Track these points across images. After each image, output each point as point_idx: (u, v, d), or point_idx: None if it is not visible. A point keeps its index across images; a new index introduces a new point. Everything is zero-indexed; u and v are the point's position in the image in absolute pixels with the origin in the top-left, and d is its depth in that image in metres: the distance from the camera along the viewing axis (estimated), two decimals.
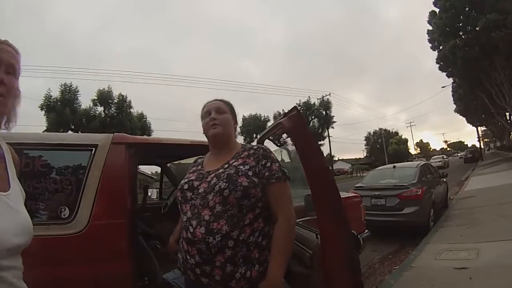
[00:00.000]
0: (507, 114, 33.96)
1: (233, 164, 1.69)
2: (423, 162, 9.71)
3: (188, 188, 1.68)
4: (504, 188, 10.87)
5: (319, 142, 41.24)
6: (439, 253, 5.17)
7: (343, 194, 4.31)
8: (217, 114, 1.80)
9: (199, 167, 1.82)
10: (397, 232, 7.20)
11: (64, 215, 2.05)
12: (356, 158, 75.40)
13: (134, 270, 1.99)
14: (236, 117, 1.93)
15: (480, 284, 3.70)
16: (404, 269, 4.68)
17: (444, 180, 10.02)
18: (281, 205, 1.66)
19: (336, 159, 56.98)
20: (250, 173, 1.64)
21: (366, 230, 4.41)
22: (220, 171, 1.67)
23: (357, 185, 8.49)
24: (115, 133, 2.37)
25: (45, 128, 25.40)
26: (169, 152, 3.72)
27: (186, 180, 1.74)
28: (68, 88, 27.94)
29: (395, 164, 9.26)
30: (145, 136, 2.88)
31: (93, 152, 2.21)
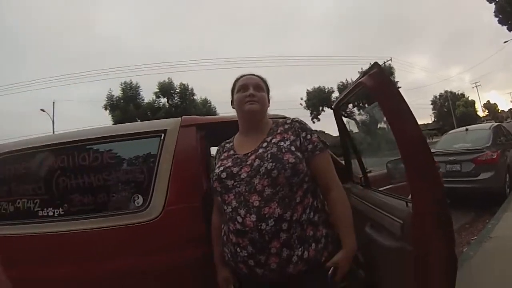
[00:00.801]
0: None
1: (272, 141, 1.61)
2: (495, 124, 9.00)
3: (228, 176, 1.55)
4: None
5: None
6: None
7: None
8: (255, 91, 1.68)
9: (231, 152, 1.68)
10: (472, 200, 6.77)
11: (137, 204, 2.04)
12: (424, 124, 71.70)
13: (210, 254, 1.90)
14: (269, 97, 1.81)
15: None
16: (483, 240, 4.41)
17: None
18: (330, 175, 1.63)
19: None
20: (292, 148, 1.56)
21: None
22: (260, 151, 1.57)
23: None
24: (183, 116, 2.31)
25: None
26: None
27: (222, 167, 1.59)
28: (128, 86, 29.71)
29: (467, 127, 8.65)
30: (215, 116, 2.79)
31: (162, 137, 2.16)
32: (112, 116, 29.40)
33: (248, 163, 1.54)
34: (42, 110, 32.56)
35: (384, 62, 39.18)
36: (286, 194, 1.48)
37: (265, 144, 1.60)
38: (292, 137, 1.61)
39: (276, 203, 1.45)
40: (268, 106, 1.76)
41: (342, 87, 38.71)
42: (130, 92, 29.79)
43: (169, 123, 2.25)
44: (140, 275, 1.94)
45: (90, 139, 2.22)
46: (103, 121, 29.86)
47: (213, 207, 1.78)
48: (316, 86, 41.61)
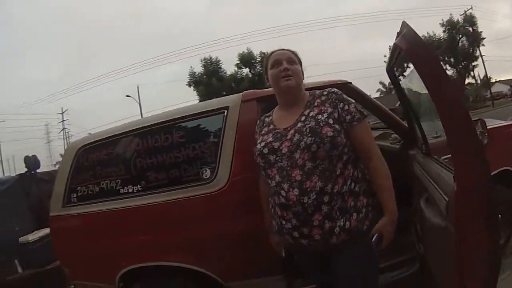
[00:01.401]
0: None
1: (310, 115, 1.60)
2: None
3: (269, 151, 1.57)
4: None
5: (473, 63, 37.15)
6: None
7: (498, 123, 3.59)
8: (289, 65, 1.66)
9: (271, 126, 1.69)
10: None
11: (205, 176, 2.25)
12: None
13: None
14: (303, 68, 1.77)
15: None
16: None
17: None
18: (369, 144, 1.63)
19: (493, 81, 49.28)
20: (330, 121, 1.56)
21: None
22: (299, 125, 1.58)
23: None
24: (244, 92, 2.43)
25: (198, 101, 27.86)
26: None
27: (263, 143, 1.61)
28: (209, 61, 30.56)
29: None
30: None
31: (225, 114, 2.32)
32: (196, 92, 30.70)
33: (288, 137, 1.56)
34: (128, 96, 35.19)
35: (465, 11, 35.98)
36: (327, 167, 1.50)
37: (303, 118, 1.60)
38: (329, 109, 1.59)
39: (317, 176, 1.48)
40: (303, 78, 1.74)
41: (425, 41, 36.31)
42: (211, 67, 30.72)
43: (231, 100, 2.39)
44: (210, 240, 2.21)
45: (160, 122, 2.46)
46: (188, 97, 31.27)
47: (259, 178, 1.83)
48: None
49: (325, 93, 1.67)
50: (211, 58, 31.10)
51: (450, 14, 36.61)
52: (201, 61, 31.12)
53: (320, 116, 1.57)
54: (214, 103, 2.48)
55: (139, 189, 2.39)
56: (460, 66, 36.60)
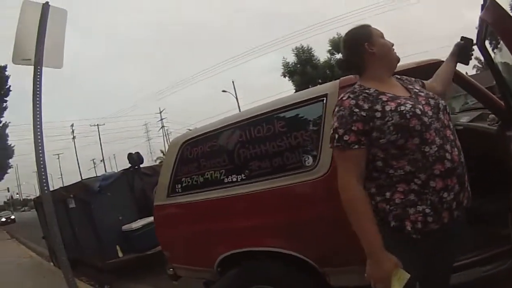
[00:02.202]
0: None
1: (417, 88, 1.64)
2: None
3: (422, 112, 1.43)
4: None
5: None
6: None
7: None
8: None
9: (389, 95, 1.50)
10: None
11: (308, 163, 2.30)
12: None
13: None
14: None
15: None
16: None
17: None
18: None
19: None
20: None
21: None
22: (422, 94, 1.57)
23: None
24: (340, 78, 2.41)
25: (294, 91, 27.89)
26: None
27: (409, 105, 1.43)
28: (301, 50, 30.34)
29: None
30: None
31: (324, 101, 2.33)
32: (292, 81, 30.53)
33: (423, 102, 1.50)
34: (224, 91, 36.08)
35: None
36: None
37: (415, 90, 1.60)
38: (421, 87, 1.70)
39: (456, 135, 1.52)
40: None
41: None
42: (304, 55, 30.28)
43: (329, 87, 2.40)
44: (311, 226, 2.27)
45: (261, 114, 2.58)
46: (284, 87, 31.26)
47: (347, 171, 1.46)
48: None
49: (404, 77, 1.74)
50: (302, 46, 30.66)
51: None
52: (293, 51, 30.75)
53: (424, 89, 1.66)
54: (313, 91, 2.52)
55: (243, 178, 2.52)
56: None
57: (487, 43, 2.38)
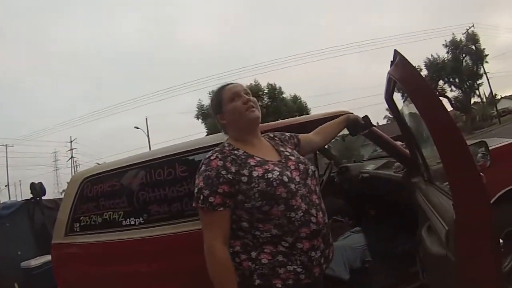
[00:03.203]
0: None
1: (288, 150, 1.66)
2: None
3: (289, 179, 1.44)
4: None
5: (477, 82, 36.56)
6: None
7: (504, 141, 3.56)
8: (249, 96, 1.60)
9: (257, 158, 1.49)
10: None
11: None
12: None
13: None
14: None
15: None
16: None
17: None
18: None
19: (499, 97, 48.36)
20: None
21: None
22: (292, 158, 1.60)
23: None
24: None
25: (205, 133, 27.79)
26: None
27: (277, 173, 1.43)
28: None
29: None
30: (273, 122, 2.95)
31: None
32: (204, 124, 30.51)
33: (292, 168, 1.53)
34: (136, 127, 35.99)
35: (467, 30, 35.85)
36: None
37: (287, 152, 1.63)
38: (295, 150, 1.72)
39: (321, 198, 1.56)
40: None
41: (429, 64, 36.23)
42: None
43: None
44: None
45: (162, 157, 2.52)
46: (197, 130, 31.32)
47: (212, 233, 1.41)
48: None
49: (277, 137, 1.79)
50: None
51: (453, 33, 36.50)
52: (209, 94, 30.90)
53: (295, 152, 1.69)
54: (216, 138, 2.45)
55: (141, 221, 2.44)
56: (465, 86, 36.19)
57: (399, 95, 2.50)
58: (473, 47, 35.17)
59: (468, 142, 2.64)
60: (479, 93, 38.46)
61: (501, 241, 1.51)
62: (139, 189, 2.51)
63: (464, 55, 35.52)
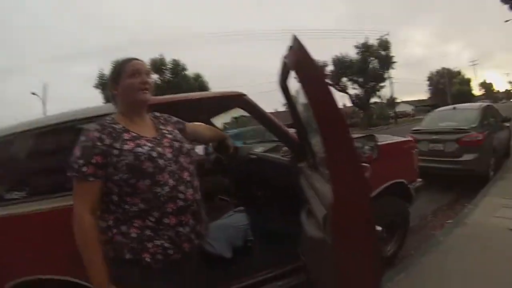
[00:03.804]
0: None
1: (168, 129, 1.73)
2: (485, 104, 8.53)
3: (158, 155, 1.52)
4: None
5: (380, 84, 39.83)
6: (497, 209, 4.69)
7: (393, 139, 3.94)
8: (148, 78, 1.64)
9: (132, 134, 1.56)
10: (455, 181, 6.69)
11: None
12: (419, 100, 71.89)
13: None
14: None
15: None
16: (456, 225, 4.33)
17: (507, 125, 8.84)
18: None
19: (399, 101, 54.40)
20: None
21: (419, 179, 3.91)
22: (169, 136, 1.67)
23: (414, 128, 7.87)
24: None
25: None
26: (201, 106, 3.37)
27: (147, 148, 1.51)
28: (119, 64, 29.06)
29: (455, 105, 8.40)
30: (167, 96, 2.87)
31: None
32: (103, 95, 29.04)
33: (166, 145, 1.60)
34: (33, 93, 32.98)
35: (381, 37, 38.69)
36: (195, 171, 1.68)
37: (165, 131, 1.70)
38: (175, 130, 1.77)
39: (195, 176, 1.65)
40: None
41: (336, 61, 38.40)
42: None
43: (113, 108, 2.17)
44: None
45: (48, 125, 2.33)
46: (96, 99, 29.58)
47: (81, 203, 1.46)
48: None
49: (162, 117, 1.83)
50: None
51: (366, 37, 39.29)
52: (112, 63, 29.30)
53: (175, 130, 1.77)
54: (96, 110, 2.35)
55: (25, 195, 2.24)
56: (368, 86, 38.99)
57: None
58: (383, 52, 37.73)
59: (359, 135, 2.81)
60: (380, 94, 41.68)
61: (379, 228, 1.57)
62: (22, 160, 2.31)
63: (372, 58, 38.01)
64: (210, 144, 3.46)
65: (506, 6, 24.57)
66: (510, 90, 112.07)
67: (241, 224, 2.99)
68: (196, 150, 5.14)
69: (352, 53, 38.63)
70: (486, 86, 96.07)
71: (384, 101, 45.28)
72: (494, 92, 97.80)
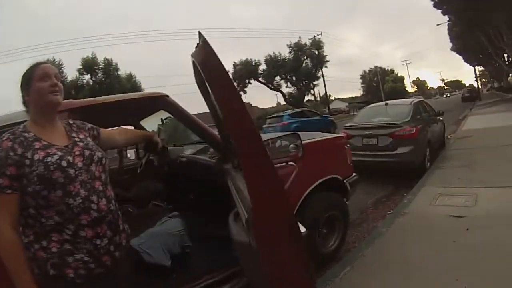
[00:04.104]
0: (505, 55, 32.53)
1: (80, 137, 1.66)
2: (417, 100, 8.87)
3: (68, 164, 1.46)
4: (506, 130, 9.98)
5: (314, 82, 40.85)
6: (435, 197, 4.82)
7: (325, 136, 3.98)
8: (57, 81, 1.59)
9: (43, 142, 1.49)
10: (392, 174, 6.83)
11: None
12: (352, 97, 75.42)
13: None
14: None
15: (477, 237, 3.34)
16: (397, 216, 4.37)
17: (441, 118, 9.39)
18: None
19: (333, 98, 56.61)
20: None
21: (354, 174, 3.97)
22: (81, 144, 1.60)
23: (347, 124, 7.98)
24: None
25: None
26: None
27: (56, 157, 1.45)
28: (51, 63, 27.54)
29: (387, 102, 8.61)
30: (85, 99, 2.72)
31: None
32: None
33: (77, 153, 1.53)
34: None
35: (314, 36, 39.68)
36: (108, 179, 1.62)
37: (77, 139, 1.62)
38: (89, 138, 1.70)
39: (109, 185, 1.60)
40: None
41: (269, 60, 38.84)
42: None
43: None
44: None
45: None
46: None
47: (0, 216, 1.38)
48: (243, 58, 40.17)
49: (75, 124, 1.74)
50: (53, 60, 27.98)
51: (299, 37, 40.26)
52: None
53: (88, 138, 1.69)
54: (7, 119, 2.17)
55: None
56: (301, 84, 39.85)
57: None
58: (316, 52, 38.76)
59: (283, 133, 2.77)
60: (314, 92, 42.91)
61: (303, 229, 1.54)
62: None
63: (305, 58, 38.90)
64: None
65: (439, 11, 26.39)
66: (442, 87, 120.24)
67: (177, 230, 2.88)
68: (128, 155, 5.02)
69: (285, 53, 39.34)
70: (419, 83, 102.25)
71: (318, 98, 46.63)
72: (428, 89, 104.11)
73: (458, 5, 22.89)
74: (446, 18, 30.49)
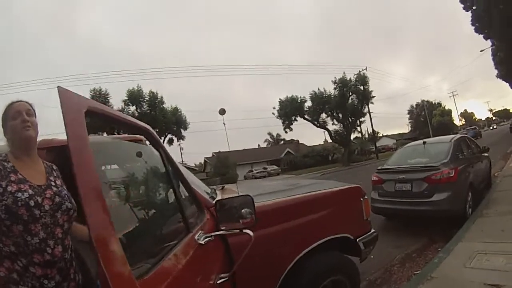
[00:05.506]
0: None
1: (57, 182, 1.71)
2: (458, 136, 7.85)
3: (35, 205, 1.52)
4: None
5: (360, 119, 40.15)
6: (471, 257, 4.08)
7: (337, 186, 3.46)
8: (28, 117, 1.67)
9: (19, 176, 1.57)
10: (428, 222, 6.07)
11: None
12: (400, 133, 73.29)
13: None
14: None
15: None
16: (421, 281, 3.68)
17: (486, 154, 8.40)
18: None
19: (380, 135, 55.02)
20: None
21: (372, 231, 3.40)
22: (54, 189, 1.64)
23: (380, 167, 7.20)
24: (41, 139, 2.15)
25: None
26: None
27: (27, 194, 1.51)
28: (98, 93, 29.01)
29: (425, 140, 7.72)
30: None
31: None
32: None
33: (47, 196, 1.59)
34: None
35: (359, 71, 39.30)
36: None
37: (54, 183, 1.68)
38: (63, 186, 1.73)
39: (68, 236, 1.65)
40: (37, 131, 1.74)
41: (314, 96, 38.64)
42: (99, 99, 28.44)
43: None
44: None
45: None
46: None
47: None
48: (289, 95, 40.26)
49: (58, 170, 1.81)
50: (100, 89, 29.58)
51: (344, 72, 39.45)
52: (90, 92, 29.29)
53: (64, 187, 1.71)
54: None
55: None
56: (348, 121, 39.17)
57: None
58: (362, 87, 38.06)
59: (234, 195, 2.52)
60: (361, 129, 42.03)
61: None
62: None
63: (350, 94, 38.24)
64: None
65: (481, 36, 25.24)
66: (490, 118, 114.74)
67: None
68: None
69: (330, 88, 39.04)
70: (467, 115, 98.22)
71: (366, 136, 45.51)
72: (476, 121, 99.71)
73: (499, 29, 21.84)
74: (489, 42, 29.13)
